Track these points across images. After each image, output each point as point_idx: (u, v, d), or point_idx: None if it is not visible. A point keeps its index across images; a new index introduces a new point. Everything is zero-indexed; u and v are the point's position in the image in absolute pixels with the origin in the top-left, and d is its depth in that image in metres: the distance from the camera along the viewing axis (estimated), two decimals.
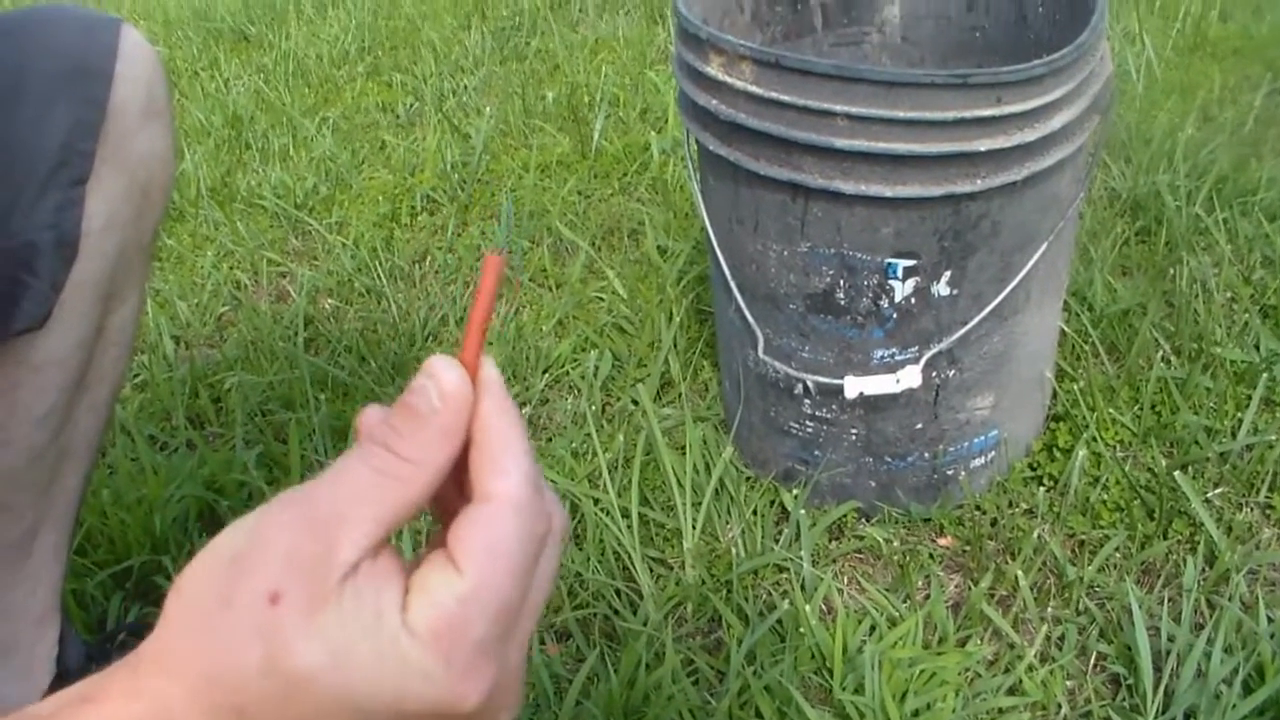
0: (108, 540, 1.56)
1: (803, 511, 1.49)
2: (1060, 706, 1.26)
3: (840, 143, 1.18)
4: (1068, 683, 1.29)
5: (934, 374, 1.38)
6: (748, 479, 1.59)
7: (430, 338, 1.99)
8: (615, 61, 3.01)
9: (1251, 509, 1.46)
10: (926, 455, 1.47)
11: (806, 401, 1.45)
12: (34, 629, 1.15)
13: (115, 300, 1.09)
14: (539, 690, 1.31)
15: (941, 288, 1.30)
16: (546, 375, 1.84)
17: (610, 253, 2.16)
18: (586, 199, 2.36)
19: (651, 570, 1.47)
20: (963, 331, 1.34)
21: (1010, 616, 1.36)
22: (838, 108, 1.16)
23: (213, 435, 1.82)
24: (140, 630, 1.43)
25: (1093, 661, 1.31)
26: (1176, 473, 1.45)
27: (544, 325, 1.96)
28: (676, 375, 1.76)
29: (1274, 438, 1.50)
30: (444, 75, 3.11)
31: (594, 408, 1.73)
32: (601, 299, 2.00)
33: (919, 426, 1.44)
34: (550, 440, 1.70)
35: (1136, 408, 1.59)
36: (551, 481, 1.57)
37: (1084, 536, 1.45)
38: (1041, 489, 1.51)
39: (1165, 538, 1.43)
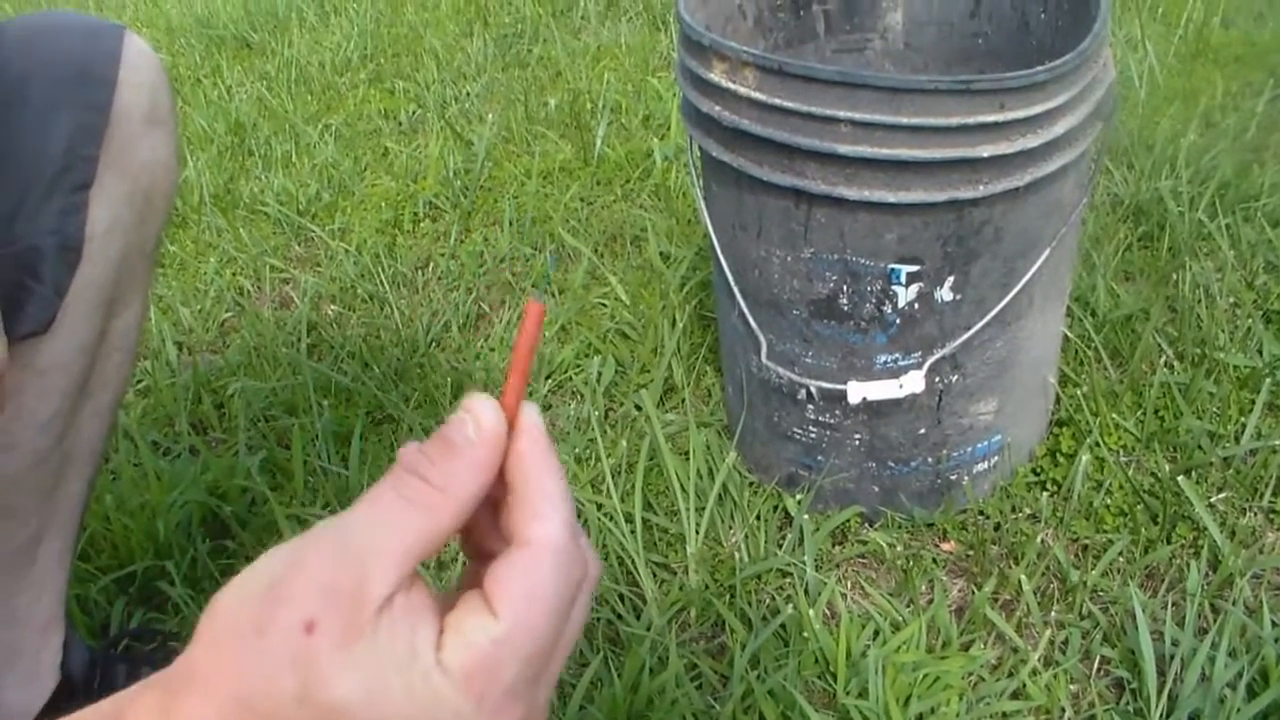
0: (111, 546, 1.56)
1: (806, 516, 1.49)
2: (1064, 710, 1.26)
3: (843, 149, 1.18)
4: (1071, 687, 1.29)
5: (937, 379, 1.38)
6: (751, 484, 1.59)
7: (433, 344, 1.99)
8: (617, 68, 3.01)
9: (1255, 513, 1.46)
10: (930, 460, 1.47)
11: (810, 407, 1.45)
12: (39, 634, 1.15)
13: (118, 305, 1.10)
14: None
15: (945, 293, 1.30)
16: (550, 381, 1.84)
17: (613, 259, 2.16)
18: (589, 205, 2.37)
19: (655, 575, 1.47)
20: (966, 337, 1.34)
21: (1014, 621, 1.36)
22: (841, 114, 1.16)
23: (215, 441, 1.82)
24: (143, 635, 1.43)
25: (1096, 666, 1.31)
26: (1180, 477, 1.45)
27: (547, 331, 1.96)
28: (679, 381, 1.76)
29: (1277, 443, 1.50)
30: (446, 82, 3.11)
31: (597, 413, 1.73)
32: (604, 305, 2.00)
33: (922, 432, 1.44)
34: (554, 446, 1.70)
35: (1140, 413, 1.59)
36: None
37: (1087, 541, 1.45)
38: (1045, 494, 1.51)
39: (1169, 542, 1.43)
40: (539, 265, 2.17)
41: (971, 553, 1.45)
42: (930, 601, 1.40)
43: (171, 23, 3.94)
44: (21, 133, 1.00)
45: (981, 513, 1.51)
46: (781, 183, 1.25)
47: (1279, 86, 2.45)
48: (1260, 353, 1.68)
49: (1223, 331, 1.71)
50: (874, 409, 1.41)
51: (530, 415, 0.51)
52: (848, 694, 1.28)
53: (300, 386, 1.85)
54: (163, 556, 1.54)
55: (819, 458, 1.50)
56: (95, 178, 1.02)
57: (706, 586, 1.44)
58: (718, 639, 1.40)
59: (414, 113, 2.97)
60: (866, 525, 1.53)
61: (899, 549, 1.48)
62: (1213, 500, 1.47)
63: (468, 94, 3.03)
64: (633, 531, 1.49)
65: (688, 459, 1.57)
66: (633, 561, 1.46)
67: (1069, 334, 1.69)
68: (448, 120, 2.83)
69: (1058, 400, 1.62)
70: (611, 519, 1.52)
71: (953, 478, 1.49)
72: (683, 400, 1.74)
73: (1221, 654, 1.25)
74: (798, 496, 1.53)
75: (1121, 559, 1.43)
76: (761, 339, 1.41)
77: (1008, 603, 1.40)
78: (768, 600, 1.43)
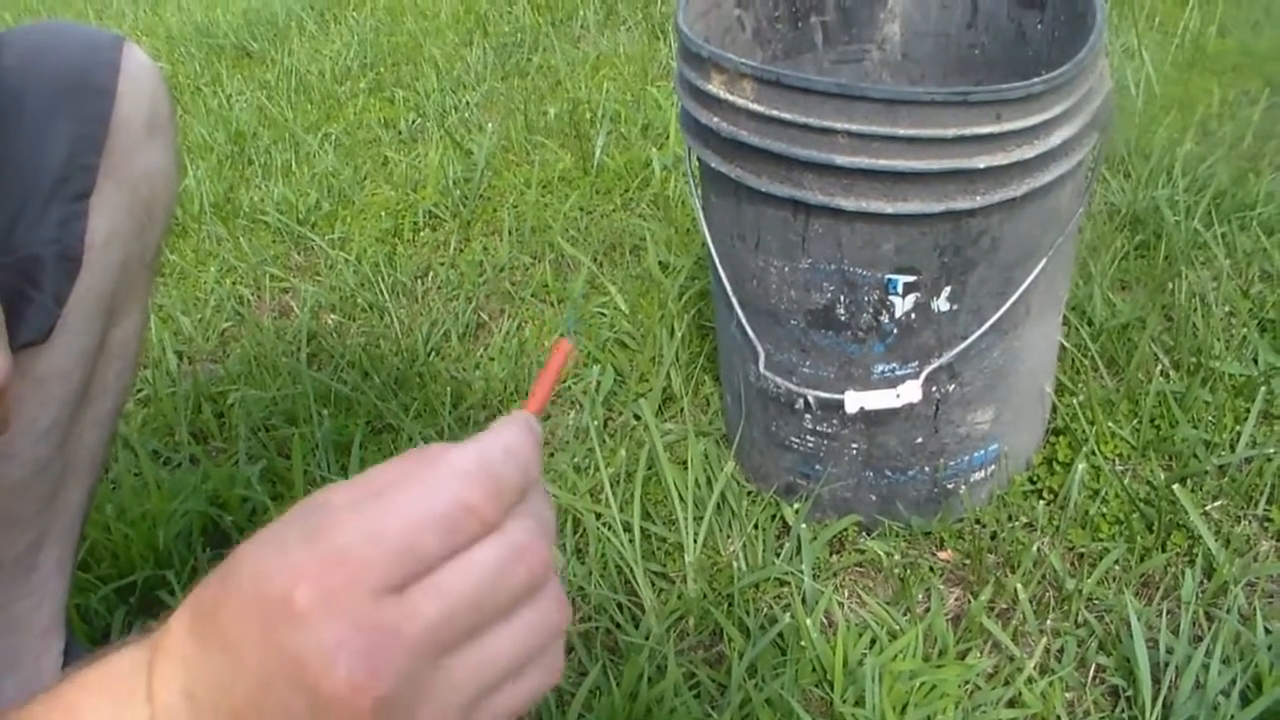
0: (111, 555, 1.56)
1: (804, 525, 1.50)
2: (1060, 718, 1.27)
3: (841, 160, 1.19)
4: (1067, 694, 1.30)
5: (934, 389, 1.39)
6: (749, 493, 1.59)
7: (433, 353, 2.00)
8: (617, 78, 3.02)
9: (1250, 521, 1.47)
10: (927, 469, 1.47)
11: (807, 416, 1.45)
12: (39, 642, 1.15)
13: (118, 315, 1.10)
14: (541, 704, 1.31)
15: (942, 303, 1.31)
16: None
17: (612, 268, 2.16)
18: (588, 215, 2.37)
19: (653, 584, 1.47)
20: (963, 346, 1.34)
21: (1010, 629, 1.36)
22: (839, 125, 1.17)
23: (216, 450, 1.82)
24: None
25: (1092, 673, 1.32)
26: (1175, 486, 1.46)
27: (546, 340, 1.97)
28: (678, 390, 1.77)
29: (1272, 451, 1.51)
30: (446, 91, 3.12)
31: (596, 422, 1.73)
32: (603, 314, 2.00)
33: (919, 441, 1.44)
34: (553, 455, 1.70)
35: (1136, 421, 1.60)
36: (554, 496, 1.58)
37: (1083, 549, 1.46)
38: (1041, 502, 1.52)
39: (1164, 550, 1.43)
40: (539, 275, 2.18)
41: (968, 561, 1.46)
42: (927, 610, 1.40)
43: (171, 31, 3.95)
44: (21, 142, 1.00)
45: (978, 521, 1.51)
46: (779, 193, 1.25)
47: (1275, 95, 2.45)
48: (1255, 361, 1.69)
49: (1218, 340, 1.72)
50: (871, 418, 1.42)
51: (521, 413, 0.52)
52: (845, 702, 1.28)
53: (300, 396, 1.86)
54: (163, 566, 1.55)
55: (817, 467, 1.50)
56: (95, 187, 1.03)
57: (705, 595, 1.44)
58: (716, 648, 1.40)
59: (414, 122, 2.97)
60: (864, 534, 1.53)
61: (896, 558, 1.49)
62: (1208, 509, 1.47)
63: (467, 103, 3.04)
64: (631, 540, 1.50)
65: (686, 468, 1.58)
66: (631, 570, 1.47)
67: (1065, 343, 1.69)
68: (447, 129, 2.84)
69: (1054, 409, 1.63)
70: (610, 528, 1.52)
71: (950, 486, 1.50)
72: (681, 409, 1.74)
73: (1215, 661, 1.25)
74: (795, 505, 1.53)
75: (1117, 567, 1.43)
76: (760, 348, 1.42)
77: (1004, 611, 1.40)
78: (765, 609, 1.43)
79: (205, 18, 4.00)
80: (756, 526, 1.53)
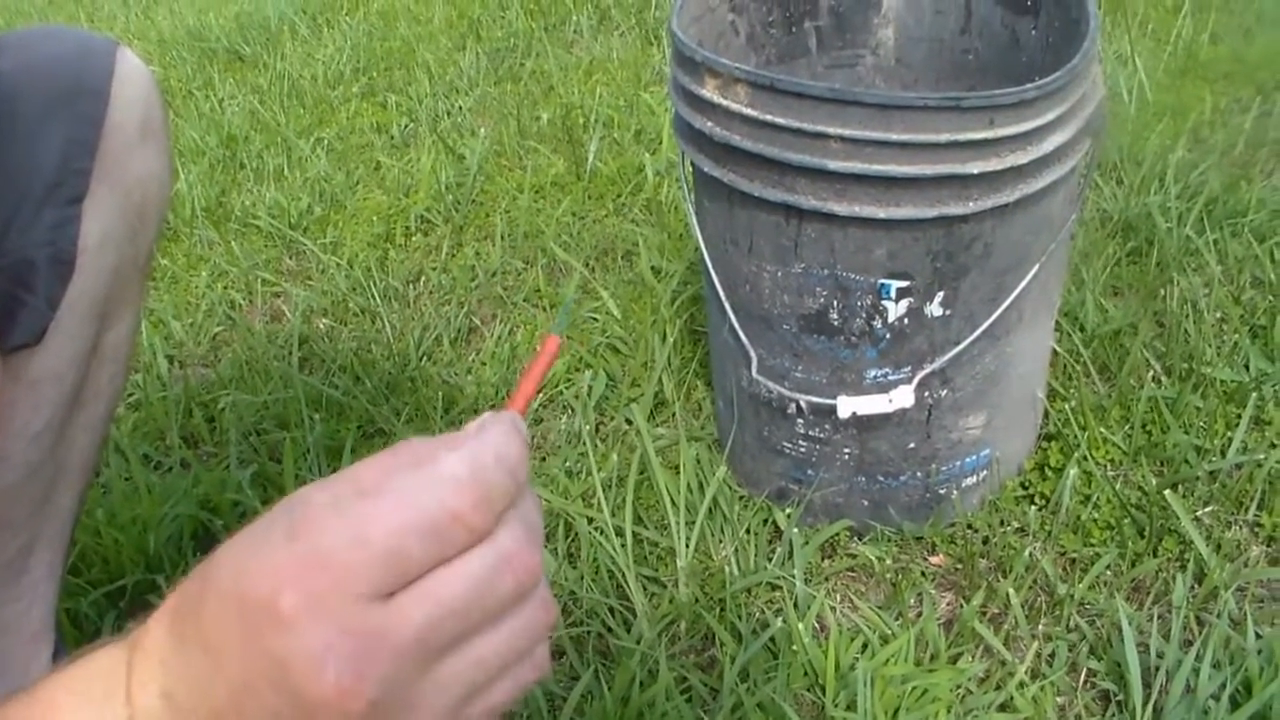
0: (101, 559, 1.56)
1: (796, 530, 1.50)
2: None
3: (834, 165, 1.19)
4: (1058, 699, 1.30)
5: (926, 394, 1.39)
6: (741, 498, 1.59)
7: (425, 358, 2.00)
8: (610, 83, 3.02)
9: (1240, 527, 1.47)
10: (919, 474, 1.47)
11: (800, 421, 1.45)
12: (29, 645, 1.15)
13: (111, 318, 1.10)
14: (533, 708, 1.31)
15: (934, 308, 1.31)
16: (540, 395, 1.84)
17: (604, 273, 2.17)
18: (581, 220, 2.37)
19: (645, 588, 1.47)
20: (955, 352, 1.34)
21: (1002, 634, 1.36)
22: (832, 130, 1.17)
23: (207, 455, 1.82)
24: None
25: (1083, 678, 1.32)
26: (1167, 491, 1.46)
27: (538, 345, 1.97)
28: (670, 395, 1.77)
29: (1263, 457, 1.51)
30: (438, 96, 3.12)
31: (588, 427, 1.73)
32: (595, 319, 2.00)
33: (911, 446, 1.45)
34: (545, 459, 1.70)
35: (1127, 427, 1.60)
36: (546, 501, 1.58)
37: (1075, 554, 1.46)
38: (1033, 507, 1.52)
39: (1155, 555, 1.43)
40: (531, 280, 2.18)
41: (960, 566, 1.46)
42: (919, 614, 1.41)
43: (163, 35, 3.95)
44: (14, 146, 1.00)
45: (970, 526, 1.51)
46: (772, 198, 1.25)
47: (1267, 103, 2.46)
48: (1247, 367, 1.69)
49: (1210, 346, 1.72)
50: (864, 423, 1.42)
51: (508, 414, 0.53)
52: (837, 707, 1.28)
53: (292, 400, 1.85)
54: (154, 570, 1.54)
55: (809, 472, 1.50)
56: (88, 191, 1.03)
57: (697, 600, 1.44)
58: (708, 652, 1.40)
59: (406, 126, 2.97)
60: (856, 539, 1.53)
61: (888, 562, 1.49)
62: (1199, 514, 1.48)
63: (460, 108, 3.03)
64: (623, 545, 1.50)
65: (678, 473, 1.58)
66: (623, 575, 1.47)
67: (1058, 349, 1.70)
68: (440, 134, 2.84)
69: (1046, 415, 1.63)
70: (602, 532, 1.52)
71: (942, 492, 1.50)
72: (673, 414, 1.74)
73: (1206, 666, 1.25)
74: (788, 510, 1.53)
75: (1108, 572, 1.43)
76: (752, 353, 1.42)
77: (996, 616, 1.40)
78: (757, 613, 1.43)
79: (197, 21, 3.99)
80: (748, 531, 1.53)
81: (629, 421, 1.75)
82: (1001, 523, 1.52)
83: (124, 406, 1.92)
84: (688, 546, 1.49)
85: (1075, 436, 1.58)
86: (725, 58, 1.27)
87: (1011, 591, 1.38)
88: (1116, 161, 2.27)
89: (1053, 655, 1.34)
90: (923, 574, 1.47)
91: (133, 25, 4.18)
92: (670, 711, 1.29)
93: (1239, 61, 2.71)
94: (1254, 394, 1.60)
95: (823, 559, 1.51)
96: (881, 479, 1.48)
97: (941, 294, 1.30)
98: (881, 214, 1.21)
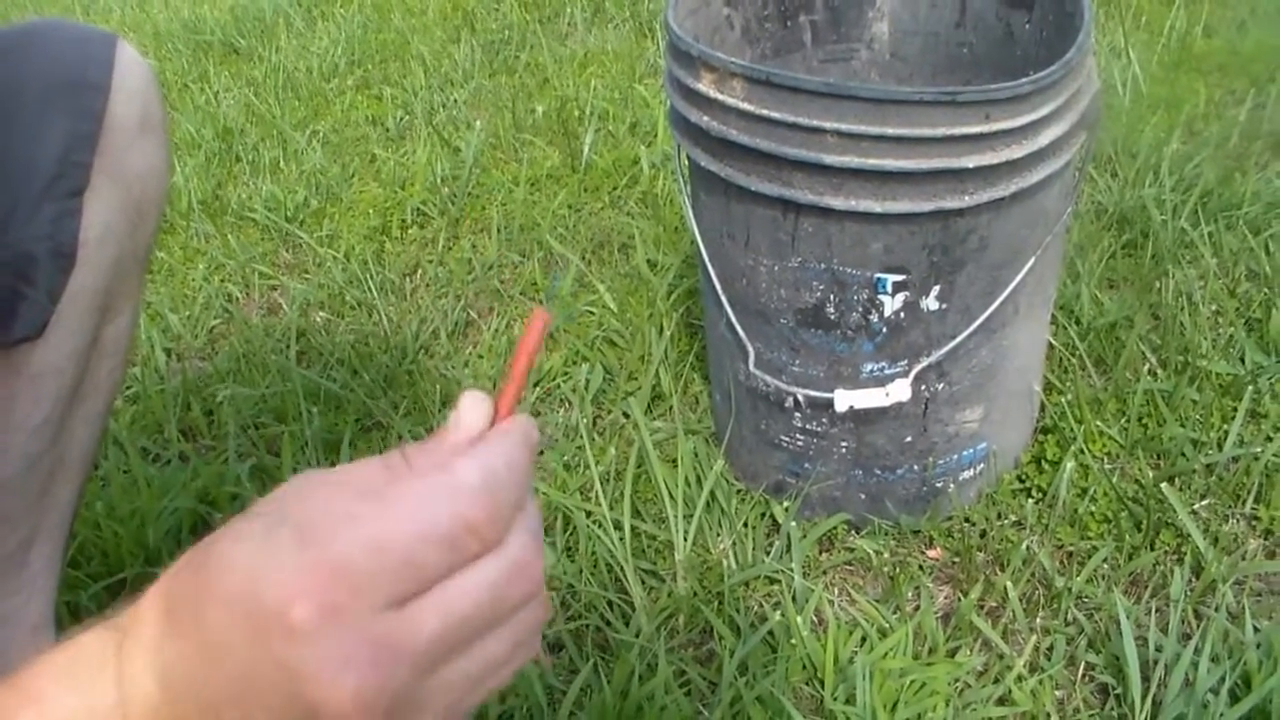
0: (101, 553, 1.56)
1: (793, 524, 1.50)
2: (1049, 716, 1.27)
3: (830, 159, 1.19)
4: (1057, 692, 1.30)
5: (923, 387, 1.39)
6: (738, 491, 1.59)
7: (422, 351, 2.00)
8: (604, 75, 3.02)
9: (1237, 520, 1.48)
10: (916, 468, 1.48)
11: (797, 415, 1.46)
12: (29, 638, 1.15)
13: (111, 312, 1.10)
14: (532, 702, 1.31)
15: (930, 302, 1.31)
16: (538, 388, 1.85)
17: (600, 266, 2.17)
18: (577, 213, 2.37)
19: (644, 582, 1.47)
20: (951, 345, 1.35)
21: (999, 627, 1.37)
22: (828, 124, 1.17)
23: (205, 448, 1.82)
24: None
25: (1081, 671, 1.32)
26: (1163, 484, 1.47)
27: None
28: (667, 389, 1.77)
29: (1259, 449, 1.52)
30: (434, 89, 3.12)
31: (585, 421, 1.74)
32: (592, 312, 2.01)
33: (908, 439, 1.45)
34: (542, 453, 1.71)
35: (1124, 420, 1.61)
36: (544, 494, 1.58)
37: (1072, 548, 1.46)
38: (1030, 501, 1.52)
39: (1152, 549, 1.44)
40: (527, 273, 2.18)
41: (958, 559, 1.46)
42: (917, 608, 1.41)
43: (159, 28, 3.94)
44: (14, 139, 1.00)
45: (967, 520, 1.52)
46: (769, 192, 1.26)
47: (1261, 95, 2.46)
48: (1242, 360, 1.69)
49: (1205, 339, 1.73)
50: (861, 417, 1.42)
51: (519, 421, 0.53)
52: (835, 700, 1.28)
53: (289, 393, 1.85)
54: (153, 563, 1.54)
55: (806, 465, 1.50)
56: (88, 184, 1.03)
57: (695, 593, 1.45)
58: (706, 646, 1.41)
59: (401, 119, 2.97)
60: (853, 532, 1.54)
61: (886, 556, 1.49)
62: (1196, 507, 1.48)
63: (455, 100, 3.03)
64: (621, 539, 1.50)
65: (676, 466, 1.58)
66: (621, 569, 1.47)
67: (1054, 342, 1.70)
68: (435, 127, 2.83)
69: (1043, 408, 1.63)
70: (600, 526, 1.52)
71: (939, 485, 1.50)
72: (670, 408, 1.74)
73: (1204, 659, 1.26)
74: (785, 504, 1.54)
75: (1106, 565, 1.44)
76: (749, 347, 1.42)
77: (993, 609, 1.41)
78: (756, 607, 1.44)
79: (192, 14, 3.99)
80: (746, 525, 1.53)
81: (626, 415, 1.75)
82: (999, 516, 1.52)
83: (122, 399, 1.92)
84: (686, 540, 1.49)
85: (1072, 430, 1.58)
86: (721, 52, 1.27)
87: (1009, 585, 1.39)
88: (1111, 154, 2.27)
89: (1051, 648, 1.34)
90: (920, 567, 1.47)
91: (128, 18, 4.17)
92: (669, 705, 1.29)
93: (1233, 54, 2.72)
94: (1250, 387, 1.61)
95: (820, 552, 1.52)
96: (878, 472, 1.48)
97: (938, 288, 1.30)
98: (878, 208, 1.22)
